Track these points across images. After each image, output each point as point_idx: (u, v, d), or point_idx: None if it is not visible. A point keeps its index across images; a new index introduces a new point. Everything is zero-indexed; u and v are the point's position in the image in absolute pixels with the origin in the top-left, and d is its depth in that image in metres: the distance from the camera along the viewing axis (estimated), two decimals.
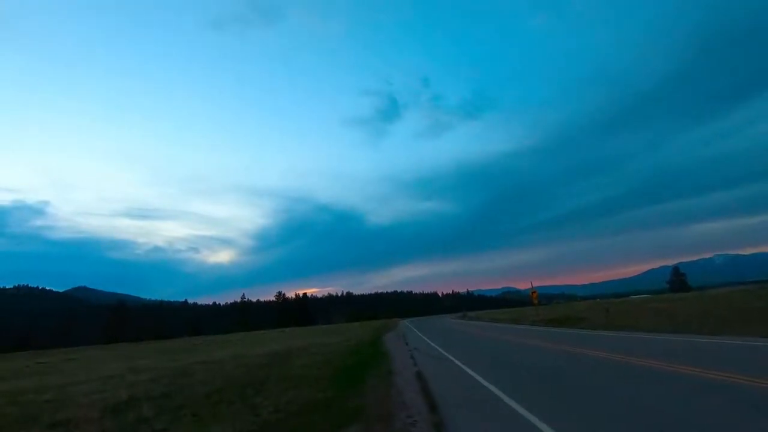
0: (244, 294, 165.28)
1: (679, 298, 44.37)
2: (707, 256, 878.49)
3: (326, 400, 7.87)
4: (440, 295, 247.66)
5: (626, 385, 6.80)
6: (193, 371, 16.99)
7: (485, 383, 8.08)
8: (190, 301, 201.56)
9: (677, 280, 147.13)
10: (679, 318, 18.90)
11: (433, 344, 19.56)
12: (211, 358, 22.83)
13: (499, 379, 8.38)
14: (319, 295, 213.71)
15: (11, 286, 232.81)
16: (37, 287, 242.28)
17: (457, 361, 12.13)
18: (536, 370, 9.45)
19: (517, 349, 14.06)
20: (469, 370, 10.07)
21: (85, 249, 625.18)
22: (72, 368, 26.32)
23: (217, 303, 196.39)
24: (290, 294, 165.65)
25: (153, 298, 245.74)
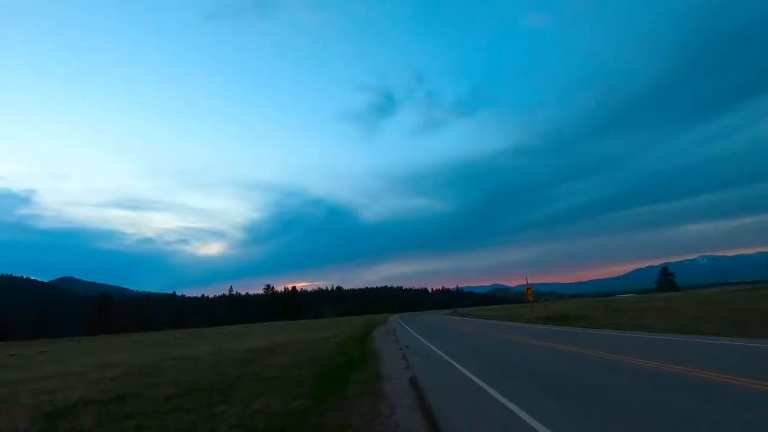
0: (231, 287, 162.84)
1: (673, 297, 43.67)
2: (692, 257, 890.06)
3: (301, 412, 6.44)
4: (430, 291, 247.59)
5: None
6: (164, 368, 15.63)
7: (497, 395, 6.45)
8: (178, 293, 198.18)
9: (666, 280, 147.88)
10: (685, 318, 17.79)
11: (426, 342, 18.01)
12: (188, 354, 21.48)
13: (514, 390, 6.76)
14: (309, 290, 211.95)
15: None
16: (22, 277, 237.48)
17: (457, 365, 10.45)
18: (559, 378, 7.63)
19: (525, 351, 12.48)
20: (473, 377, 8.48)
21: (72, 239, 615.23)
22: (42, 362, 24.80)
23: (205, 295, 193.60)
24: (279, 287, 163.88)
25: (141, 290, 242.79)
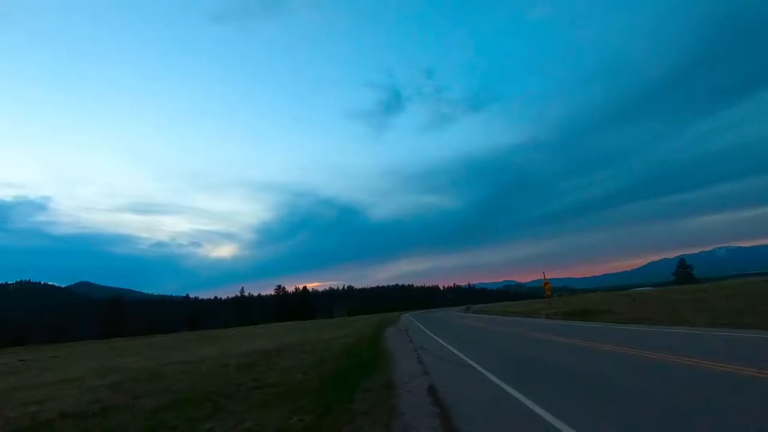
0: (243, 288, 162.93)
1: (699, 289, 41.72)
2: (708, 248, 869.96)
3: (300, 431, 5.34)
4: (441, 288, 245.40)
5: None
6: (165, 373, 14.74)
7: (543, 413, 4.94)
8: (192, 295, 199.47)
9: (683, 272, 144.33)
10: (724, 311, 16.32)
11: (442, 342, 16.58)
12: (194, 357, 20.65)
13: (563, 405, 5.32)
14: (320, 289, 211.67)
15: (13, 282, 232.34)
16: (39, 282, 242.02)
17: (482, 369, 8.72)
18: (623, 390, 5.75)
19: (558, 351, 10.54)
20: (505, 386, 6.76)
21: (88, 244, 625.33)
22: (47, 368, 24.18)
23: (218, 297, 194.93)
24: (291, 288, 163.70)
25: (155, 293, 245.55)
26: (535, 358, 10.17)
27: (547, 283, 30.76)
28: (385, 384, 7.92)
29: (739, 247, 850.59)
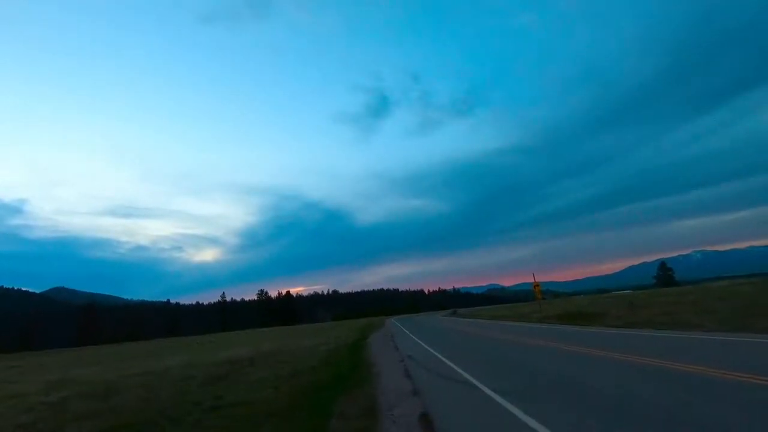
0: (224, 293, 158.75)
1: (685, 292, 41.40)
2: (686, 252, 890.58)
3: None
4: (427, 292, 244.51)
5: None
6: (121, 388, 13.18)
7: None
8: (173, 300, 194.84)
9: (664, 275, 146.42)
10: (725, 313, 15.45)
11: (431, 351, 14.86)
12: (160, 367, 18.99)
13: None
14: (305, 294, 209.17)
15: None
16: (13, 288, 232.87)
17: (482, 386, 6.95)
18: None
19: (573, 363, 8.54)
20: (517, 412, 5.13)
21: (65, 248, 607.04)
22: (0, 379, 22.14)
23: (200, 302, 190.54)
24: (274, 293, 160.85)
25: (135, 298, 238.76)
26: (559, 374, 7.65)
27: (538, 285, 29.73)
28: (366, 407, 6.43)
29: (715, 251, 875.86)
